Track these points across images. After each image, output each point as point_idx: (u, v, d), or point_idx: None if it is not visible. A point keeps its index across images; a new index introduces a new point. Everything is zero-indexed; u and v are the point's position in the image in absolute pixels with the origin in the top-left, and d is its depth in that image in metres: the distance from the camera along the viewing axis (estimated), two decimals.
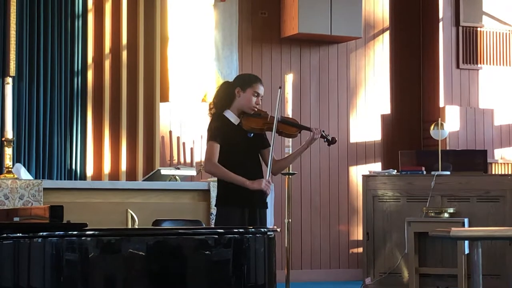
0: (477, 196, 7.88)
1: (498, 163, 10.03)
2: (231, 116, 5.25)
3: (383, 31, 9.99)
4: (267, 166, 5.27)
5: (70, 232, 3.47)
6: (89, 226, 3.54)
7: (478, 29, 10.13)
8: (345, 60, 9.81)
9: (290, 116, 6.29)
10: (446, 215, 7.75)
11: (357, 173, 9.64)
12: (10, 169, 6.39)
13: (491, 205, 7.84)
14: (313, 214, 9.51)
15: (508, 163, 10.07)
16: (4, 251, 3.48)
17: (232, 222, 5.04)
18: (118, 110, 8.55)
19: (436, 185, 7.90)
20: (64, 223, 3.59)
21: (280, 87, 5.49)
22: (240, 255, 3.68)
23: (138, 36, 8.64)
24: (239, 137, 5.22)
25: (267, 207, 5.29)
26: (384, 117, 9.97)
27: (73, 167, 8.35)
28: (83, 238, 3.46)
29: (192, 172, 7.52)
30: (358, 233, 9.53)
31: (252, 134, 5.26)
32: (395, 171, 8.34)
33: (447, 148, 9.55)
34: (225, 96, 5.28)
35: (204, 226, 5.76)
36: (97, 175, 8.42)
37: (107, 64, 8.54)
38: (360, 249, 9.18)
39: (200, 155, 8.66)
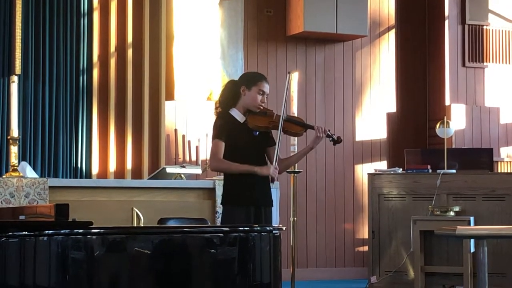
0: (482, 194, 7.86)
1: (504, 161, 10.01)
2: (237, 114, 5.26)
3: (388, 29, 9.98)
4: (272, 164, 5.28)
5: (75, 231, 3.47)
6: (94, 224, 3.54)
7: (484, 27, 10.11)
8: (351, 59, 9.80)
9: (296, 115, 6.29)
10: (451, 213, 7.74)
11: (362, 171, 9.63)
12: (15, 168, 6.39)
13: (497, 204, 7.83)
14: (319, 212, 9.51)
15: None
16: (10, 249, 3.48)
17: (238, 221, 5.05)
18: (123, 108, 8.55)
19: (441, 184, 7.89)
20: (70, 221, 3.59)
21: (289, 72, 5.47)
22: (245, 254, 3.68)
23: (143, 34, 8.64)
24: (245, 135, 5.23)
25: (272, 206, 5.30)
26: (389, 115, 9.96)
27: (79, 165, 8.36)
28: (89, 236, 3.46)
29: (198, 171, 7.52)
30: (363, 232, 9.52)
31: (257, 132, 5.26)
32: (401, 169, 8.33)
33: (453, 147, 9.54)
34: (231, 95, 5.29)
35: (209, 224, 5.76)
36: (103, 173, 8.43)
37: (112, 62, 8.55)
38: (366, 248, 9.18)
39: (205, 153, 8.66)
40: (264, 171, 5.16)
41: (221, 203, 5.35)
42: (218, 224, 6.16)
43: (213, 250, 3.59)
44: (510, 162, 10.05)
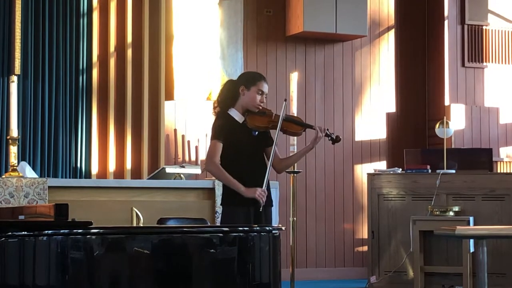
0: (482, 194, 7.86)
1: (503, 161, 10.01)
2: (236, 114, 5.25)
3: (388, 29, 9.98)
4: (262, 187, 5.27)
5: (75, 231, 3.48)
6: (94, 224, 3.54)
7: (484, 27, 10.11)
8: (350, 59, 9.80)
9: (295, 115, 6.29)
10: (451, 213, 7.74)
11: (362, 171, 9.64)
12: (15, 167, 6.39)
13: (496, 204, 7.83)
14: (318, 212, 9.51)
15: None
16: (9, 249, 3.48)
17: (237, 221, 5.05)
18: (123, 108, 8.55)
19: (441, 184, 7.89)
20: (69, 221, 3.59)
21: (285, 100, 5.45)
22: (245, 254, 3.68)
23: (143, 34, 8.64)
24: (244, 135, 5.22)
25: (272, 206, 5.30)
26: (389, 116, 9.96)
27: (78, 165, 8.36)
28: (88, 236, 3.46)
29: (197, 171, 7.51)
30: (363, 232, 9.53)
31: (256, 132, 5.26)
32: (400, 169, 8.33)
33: (452, 147, 9.54)
34: (230, 95, 5.29)
35: (209, 224, 5.76)
36: (102, 173, 8.43)
37: (112, 62, 8.55)
38: (365, 248, 9.18)
39: (205, 153, 8.66)
40: (250, 194, 5.10)
41: (220, 204, 5.35)
42: (218, 224, 6.16)
43: (212, 250, 3.59)
44: (510, 162, 10.05)
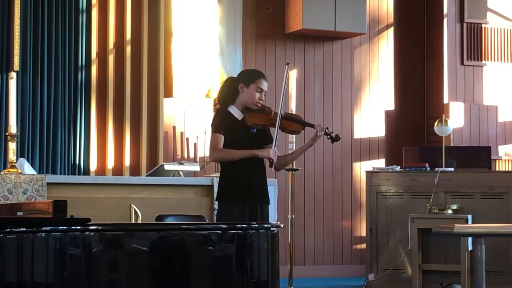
0: (480, 192, 7.87)
1: (502, 159, 10.02)
2: (235, 111, 5.26)
3: (387, 27, 9.98)
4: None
5: (73, 227, 3.48)
6: (92, 221, 3.54)
7: (483, 25, 10.11)
8: (349, 56, 9.80)
9: (294, 112, 6.29)
10: (449, 211, 7.75)
11: (360, 169, 9.64)
12: (13, 164, 6.39)
13: (495, 202, 7.84)
14: (317, 210, 9.51)
15: None
16: (7, 245, 3.48)
17: (233, 217, 5.05)
18: (122, 105, 8.55)
19: (439, 182, 7.89)
20: (68, 218, 3.59)
21: (287, 63, 5.47)
22: (243, 251, 3.68)
23: (142, 31, 8.64)
24: (243, 132, 5.23)
25: (268, 203, 5.29)
26: (388, 113, 9.96)
27: (77, 162, 8.36)
28: (87, 233, 3.46)
29: (196, 168, 7.51)
30: (361, 229, 9.53)
31: (255, 130, 5.26)
32: (399, 167, 8.33)
33: (451, 145, 9.54)
34: (229, 92, 5.30)
35: (207, 221, 5.76)
36: (101, 170, 8.43)
37: (111, 59, 8.54)
38: (363, 245, 9.18)
39: (203, 151, 8.66)
40: (265, 154, 5.18)
41: (216, 199, 5.35)
42: (215, 221, 6.16)
43: (211, 247, 3.60)
44: (508, 160, 10.05)
